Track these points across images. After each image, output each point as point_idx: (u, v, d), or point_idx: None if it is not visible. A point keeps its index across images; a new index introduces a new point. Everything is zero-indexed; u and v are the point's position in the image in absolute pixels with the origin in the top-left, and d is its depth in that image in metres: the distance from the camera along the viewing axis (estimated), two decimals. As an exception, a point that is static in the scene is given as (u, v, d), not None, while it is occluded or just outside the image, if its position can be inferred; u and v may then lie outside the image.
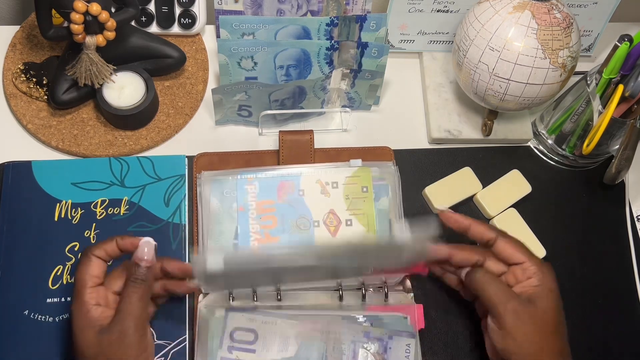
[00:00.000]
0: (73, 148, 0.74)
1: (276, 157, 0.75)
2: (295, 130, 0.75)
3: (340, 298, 0.66)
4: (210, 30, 0.85)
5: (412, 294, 0.68)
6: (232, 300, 0.64)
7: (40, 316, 0.64)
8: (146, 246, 0.58)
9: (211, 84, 0.81)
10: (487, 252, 0.63)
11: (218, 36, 0.78)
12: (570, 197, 0.79)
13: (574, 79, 0.76)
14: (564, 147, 0.79)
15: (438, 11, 0.80)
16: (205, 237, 0.67)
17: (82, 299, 0.56)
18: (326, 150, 0.76)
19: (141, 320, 0.56)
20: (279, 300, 0.65)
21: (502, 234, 0.63)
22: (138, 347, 0.55)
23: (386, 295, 0.66)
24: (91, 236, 0.68)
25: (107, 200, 0.70)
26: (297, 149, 0.74)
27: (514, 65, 0.69)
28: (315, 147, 0.75)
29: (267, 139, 0.78)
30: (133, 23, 0.76)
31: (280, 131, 0.74)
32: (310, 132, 0.74)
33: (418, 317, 0.66)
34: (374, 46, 0.73)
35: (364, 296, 0.66)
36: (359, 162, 0.72)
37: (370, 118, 0.81)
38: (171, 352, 0.64)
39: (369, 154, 0.76)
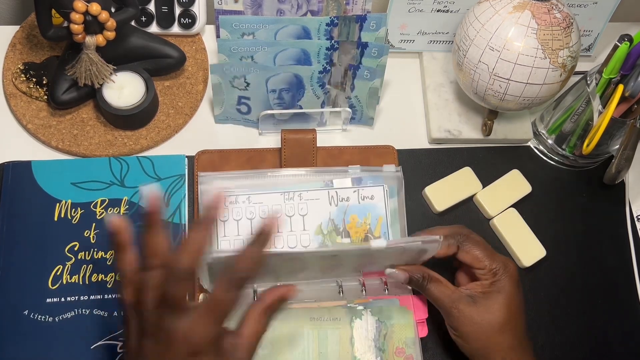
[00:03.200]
0: (73, 148, 0.74)
1: (278, 156, 0.75)
2: (298, 129, 0.75)
3: (341, 292, 0.66)
4: (210, 30, 0.85)
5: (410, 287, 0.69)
6: None
7: (40, 316, 0.64)
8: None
9: (211, 84, 0.80)
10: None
11: (218, 36, 0.78)
12: (570, 197, 0.79)
13: (574, 78, 0.75)
14: (564, 147, 0.79)
15: (438, 11, 0.80)
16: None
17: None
18: (328, 149, 0.76)
19: None
20: None
21: (463, 242, 0.64)
22: None
23: (386, 287, 0.67)
24: (91, 236, 0.68)
25: (107, 200, 0.70)
26: (300, 148, 0.74)
27: (514, 65, 0.69)
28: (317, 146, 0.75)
29: (267, 140, 0.78)
30: (133, 23, 0.76)
31: (282, 130, 0.74)
32: (313, 131, 0.74)
33: (416, 307, 0.67)
34: (374, 46, 0.73)
35: (364, 289, 0.66)
36: (357, 168, 0.72)
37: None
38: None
39: (372, 154, 0.76)
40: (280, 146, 0.75)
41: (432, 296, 0.64)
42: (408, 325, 0.66)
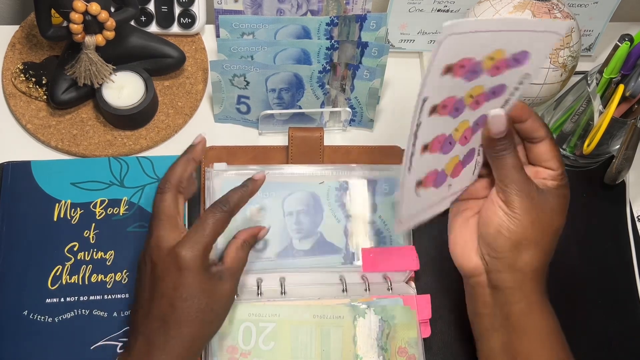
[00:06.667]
0: (72, 148, 0.74)
1: (285, 154, 0.75)
2: (305, 127, 0.75)
3: (344, 290, 0.66)
4: (210, 29, 0.84)
5: (412, 284, 0.69)
6: (237, 297, 0.64)
7: (39, 316, 0.64)
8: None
9: (211, 81, 0.80)
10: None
11: (218, 36, 0.78)
12: (570, 197, 0.79)
13: (575, 78, 0.75)
14: (564, 147, 0.79)
15: (438, 11, 0.80)
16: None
17: (206, 256, 0.57)
18: (335, 148, 0.76)
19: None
20: (284, 294, 0.65)
21: (551, 136, 0.58)
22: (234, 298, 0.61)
23: (390, 286, 0.67)
24: (90, 236, 0.68)
25: (107, 200, 0.70)
26: (307, 146, 0.74)
27: (515, 64, 0.68)
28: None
29: (267, 140, 0.78)
30: (132, 23, 0.76)
31: (290, 127, 0.74)
32: (320, 129, 0.74)
33: (419, 307, 0.66)
34: (374, 46, 0.73)
35: (367, 288, 0.66)
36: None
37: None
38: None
39: (379, 153, 0.76)
40: (286, 144, 0.75)
41: (504, 167, 0.56)
42: (411, 325, 0.65)
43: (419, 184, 0.55)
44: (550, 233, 0.58)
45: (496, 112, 0.55)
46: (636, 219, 0.79)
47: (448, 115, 0.53)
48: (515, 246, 0.56)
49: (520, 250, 0.56)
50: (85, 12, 0.66)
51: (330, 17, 0.73)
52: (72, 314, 0.65)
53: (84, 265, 0.67)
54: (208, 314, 0.56)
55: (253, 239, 0.62)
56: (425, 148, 0.53)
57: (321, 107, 0.77)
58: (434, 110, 0.52)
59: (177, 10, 0.80)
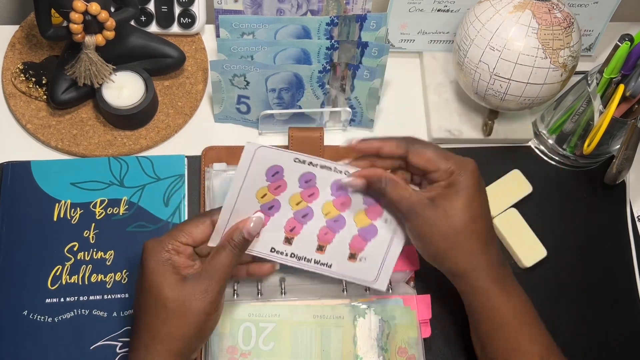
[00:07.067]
0: (72, 148, 0.74)
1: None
2: (305, 127, 0.75)
3: (344, 290, 0.66)
4: (209, 29, 0.84)
5: (412, 284, 0.68)
6: (237, 297, 0.64)
7: (39, 316, 0.64)
8: (257, 222, 0.60)
9: (211, 81, 0.80)
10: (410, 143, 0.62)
11: (218, 35, 0.78)
12: (571, 197, 0.79)
13: (575, 78, 0.75)
14: (564, 147, 0.79)
15: (438, 10, 0.80)
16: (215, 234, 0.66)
17: (166, 247, 0.57)
18: (335, 148, 0.76)
19: (225, 283, 0.58)
20: (284, 295, 0.65)
21: (411, 149, 0.61)
22: (216, 306, 0.57)
23: (390, 287, 0.67)
24: (90, 236, 0.68)
25: (107, 200, 0.70)
26: (307, 146, 0.74)
27: (515, 64, 0.69)
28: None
29: (267, 140, 0.78)
30: (132, 22, 0.76)
31: (290, 127, 0.74)
32: (320, 129, 0.74)
33: (419, 307, 0.66)
34: (374, 46, 0.73)
35: (367, 288, 0.66)
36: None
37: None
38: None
39: None
40: (286, 144, 0.75)
41: (390, 199, 0.61)
42: (411, 325, 0.65)
43: (351, 257, 0.63)
44: (456, 234, 0.59)
45: (345, 181, 0.62)
46: (636, 219, 0.79)
47: (306, 222, 0.62)
48: (432, 260, 0.62)
49: (437, 261, 0.62)
50: (85, 12, 0.66)
51: (330, 17, 0.73)
52: (72, 314, 0.65)
53: (84, 265, 0.67)
54: (173, 309, 0.55)
55: (242, 241, 0.59)
56: (321, 248, 0.62)
57: (321, 107, 0.77)
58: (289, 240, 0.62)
59: (177, 10, 0.80)
